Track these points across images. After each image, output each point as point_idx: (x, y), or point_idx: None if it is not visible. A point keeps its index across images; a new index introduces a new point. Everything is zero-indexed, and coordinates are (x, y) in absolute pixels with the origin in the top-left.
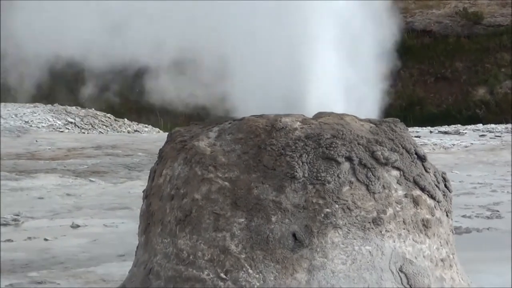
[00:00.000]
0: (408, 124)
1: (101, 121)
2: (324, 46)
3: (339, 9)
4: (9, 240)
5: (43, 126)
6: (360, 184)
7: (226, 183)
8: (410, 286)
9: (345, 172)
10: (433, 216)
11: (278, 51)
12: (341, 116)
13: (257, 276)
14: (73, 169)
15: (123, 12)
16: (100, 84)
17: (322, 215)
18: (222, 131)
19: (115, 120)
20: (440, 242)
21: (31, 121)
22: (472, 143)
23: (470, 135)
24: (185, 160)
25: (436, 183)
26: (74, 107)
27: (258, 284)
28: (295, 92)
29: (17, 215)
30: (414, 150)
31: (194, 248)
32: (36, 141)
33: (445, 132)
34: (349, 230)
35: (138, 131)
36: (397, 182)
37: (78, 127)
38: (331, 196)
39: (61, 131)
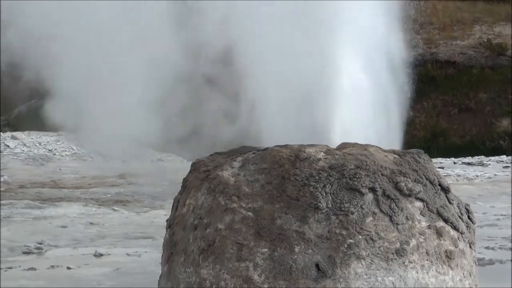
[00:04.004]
0: (432, 155)
1: (125, 149)
2: (350, 76)
3: (365, 34)
4: (32, 269)
5: (66, 155)
6: (384, 215)
7: (250, 213)
8: None
9: (368, 203)
10: (456, 247)
11: (303, 79)
12: (365, 147)
13: None
14: (96, 197)
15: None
16: None
17: (345, 245)
18: (246, 161)
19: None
20: (463, 273)
21: (55, 149)
22: (495, 174)
23: (493, 167)
24: (209, 190)
25: (460, 214)
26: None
27: None
28: (320, 120)
29: (40, 244)
30: (438, 181)
31: (217, 277)
32: (60, 169)
33: (469, 163)
34: (372, 261)
35: (162, 160)
36: (421, 213)
37: (102, 155)
38: (355, 227)
39: (85, 160)
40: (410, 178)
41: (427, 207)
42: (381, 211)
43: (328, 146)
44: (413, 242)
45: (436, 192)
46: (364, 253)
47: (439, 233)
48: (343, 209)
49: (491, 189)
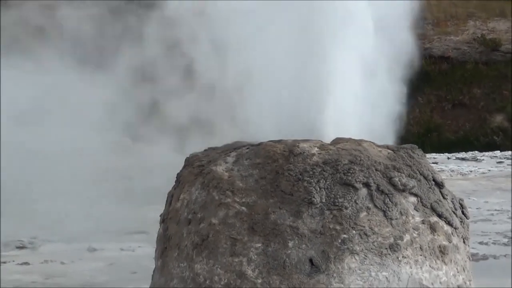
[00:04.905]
0: (426, 151)
1: (119, 144)
2: (343, 70)
3: (357, 33)
4: (25, 263)
5: (60, 150)
6: (378, 210)
7: (243, 208)
8: None
9: (362, 198)
10: (450, 242)
11: (294, 75)
12: (358, 142)
13: None
14: (90, 192)
15: None
16: None
17: (339, 240)
18: (240, 156)
19: (133, 143)
20: (457, 268)
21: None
22: (489, 170)
23: (487, 162)
24: (203, 185)
25: (454, 209)
26: None
27: None
28: (310, 114)
29: (34, 238)
30: (432, 177)
31: (210, 272)
32: (54, 165)
33: (463, 159)
34: (366, 256)
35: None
36: (415, 209)
37: (95, 150)
38: (348, 222)
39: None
40: (404, 173)
41: (421, 202)
42: (375, 206)
43: (322, 141)
44: (407, 237)
45: (430, 187)
46: (358, 248)
47: (433, 228)
48: (337, 204)
49: (485, 184)
